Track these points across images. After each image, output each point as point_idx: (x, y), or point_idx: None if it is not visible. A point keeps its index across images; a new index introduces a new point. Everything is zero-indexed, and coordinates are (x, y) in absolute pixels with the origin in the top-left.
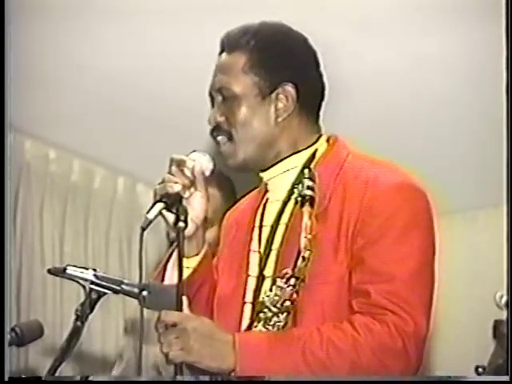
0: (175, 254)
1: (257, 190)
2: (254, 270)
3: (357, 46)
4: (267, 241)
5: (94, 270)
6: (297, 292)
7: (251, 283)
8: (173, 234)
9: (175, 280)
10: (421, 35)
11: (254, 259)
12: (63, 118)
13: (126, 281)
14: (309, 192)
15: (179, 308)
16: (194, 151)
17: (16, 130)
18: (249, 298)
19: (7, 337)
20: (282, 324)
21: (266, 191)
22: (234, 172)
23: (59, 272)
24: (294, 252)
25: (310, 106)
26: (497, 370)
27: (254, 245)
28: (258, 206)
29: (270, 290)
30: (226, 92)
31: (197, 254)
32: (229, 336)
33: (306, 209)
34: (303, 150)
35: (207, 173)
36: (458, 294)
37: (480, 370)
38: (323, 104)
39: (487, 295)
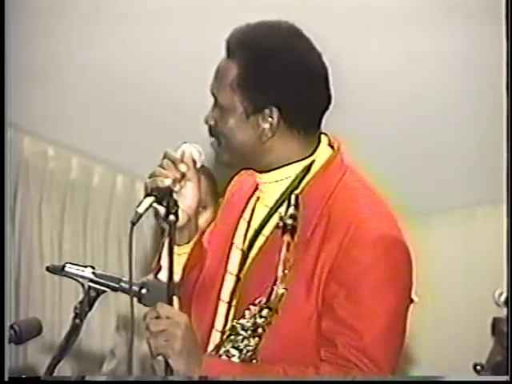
0: (166, 245)
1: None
2: (233, 268)
3: (356, 46)
4: (249, 242)
5: (93, 267)
6: (269, 324)
7: (228, 281)
8: (164, 226)
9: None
10: (421, 35)
11: (235, 256)
12: (62, 116)
13: (124, 278)
14: (289, 221)
15: (170, 298)
16: (185, 143)
17: (15, 128)
18: (225, 296)
19: (7, 335)
20: (251, 348)
21: (260, 188)
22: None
23: (58, 270)
24: (269, 280)
25: (302, 123)
26: (495, 368)
27: (238, 241)
28: (250, 198)
29: (242, 316)
30: (218, 99)
31: (188, 242)
32: (201, 353)
33: (286, 238)
34: (297, 161)
35: (198, 163)
36: (456, 292)
37: (478, 367)
38: (326, 113)
39: (486, 293)
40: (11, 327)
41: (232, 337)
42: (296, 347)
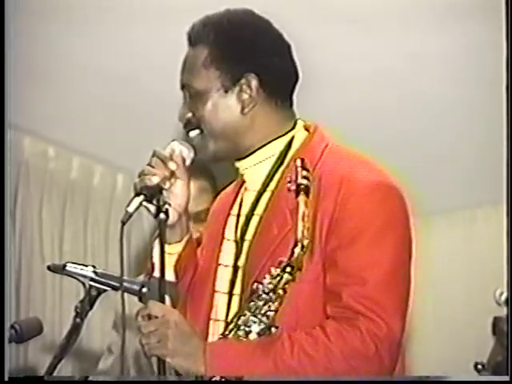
0: (157, 244)
1: (237, 180)
2: (227, 259)
3: (356, 46)
4: (242, 230)
5: (94, 266)
6: (293, 280)
7: (225, 273)
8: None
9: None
10: (421, 35)
11: (228, 248)
12: (62, 116)
13: (125, 277)
14: (304, 181)
15: (162, 296)
16: (174, 140)
17: (15, 128)
18: (221, 287)
19: (7, 335)
20: (272, 314)
21: (244, 181)
22: (208, 163)
23: (59, 269)
24: (272, 237)
25: (279, 92)
26: (496, 367)
27: (229, 233)
28: (236, 195)
29: (264, 277)
30: (191, 88)
31: (180, 241)
32: (202, 342)
33: (302, 198)
34: (278, 138)
35: (188, 161)
36: (456, 292)
37: (479, 366)
38: (296, 87)
39: (486, 293)
40: (12, 327)
41: (252, 303)
42: (308, 311)
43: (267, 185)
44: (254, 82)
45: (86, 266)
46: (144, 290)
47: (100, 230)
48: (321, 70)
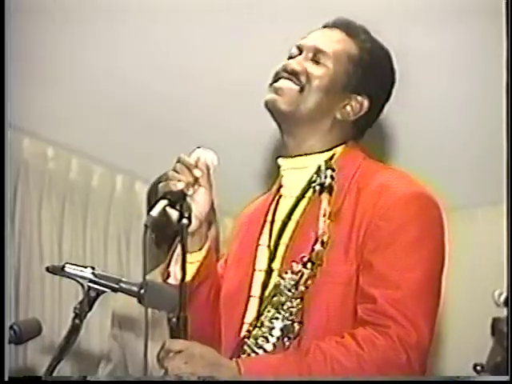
0: (178, 250)
1: (270, 191)
2: (262, 264)
3: None
4: (277, 235)
5: (93, 268)
6: (314, 276)
7: (259, 277)
8: (175, 230)
9: (179, 276)
10: (421, 35)
11: (263, 253)
12: (61, 116)
13: (124, 279)
14: (328, 180)
15: (183, 306)
16: (199, 147)
17: (14, 128)
18: (255, 291)
19: (7, 336)
20: (295, 310)
21: (280, 187)
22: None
23: (58, 270)
24: (307, 241)
25: (365, 123)
26: (495, 368)
27: (264, 239)
28: (272, 202)
29: (286, 272)
30: (322, 57)
31: (200, 249)
32: (232, 363)
33: (325, 196)
34: (326, 151)
35: (212, 169)
36: (456, 292)
37: (478, 367)
38: None
39: (486, 293)
40: (11, 327)
41: (275, 298)
42: (339, 312)
43: (306, 191)
44: (365, 106)
45: (85, 267)
46: (142, 291)
47: (99, 230)
48: None
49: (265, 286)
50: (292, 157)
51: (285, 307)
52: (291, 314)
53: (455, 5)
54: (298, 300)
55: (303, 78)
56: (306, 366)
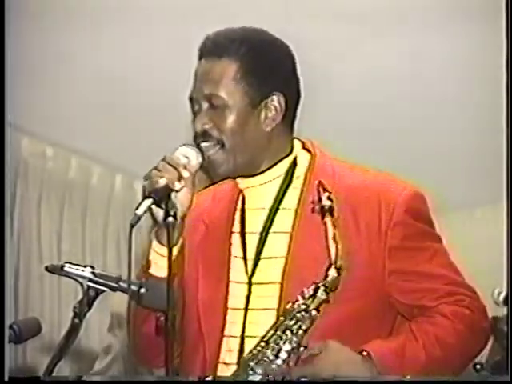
0: (154, 245)
1: (218, 188)
2: (238, 277)
3: (356, 46)
4: (257, 248)
5: (92, 267)
6: (327, 301)
7: (237, 289)
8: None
9: (160, 271)
10: (421, 35)
11: (238, 265)
12: (61, 116)
13: (123, 278)
14: (328, 202)
15: (171, 300)
16: (184, 145)
17: (14, 128)
18: (236, 304)
19: (6, 335)
20: (301, 333)
21: (243, 197)
22: (219, 179)
23: (57, 269)
24: (316, 267)
25: (292, 114)
26: (495, 367)
27: (236, 251)
28: (234, 212)
29: (297, 300)
30: (216, 100)
31: (175, 244)
32: (358, 356)
33: (328, 219)
34: (284, 157)
35: (196, 168)
36: None
37: (478, 366)
38: (298, 110)
39: (485, 293)
40: (10, 327)
41: (285, 321)
42: (352, 333)
43: (280, 202)
44: (281, 102)
45: (85, 266)
46: (142, 290)
47: (98, 229)
48: (320, 69)
49: (247, 298)
50: (251, 175)
51: (293, 330)
52: (297, 337)
53: (455, 5)
54: (308, 322)
55: (216, 133)
56: (420, 345)
